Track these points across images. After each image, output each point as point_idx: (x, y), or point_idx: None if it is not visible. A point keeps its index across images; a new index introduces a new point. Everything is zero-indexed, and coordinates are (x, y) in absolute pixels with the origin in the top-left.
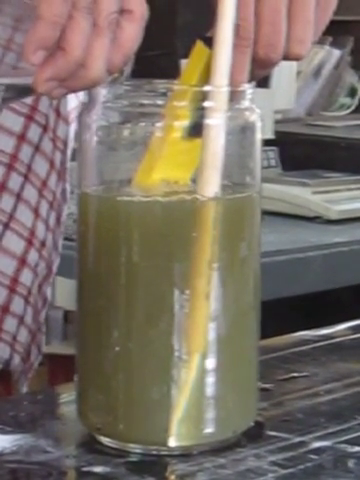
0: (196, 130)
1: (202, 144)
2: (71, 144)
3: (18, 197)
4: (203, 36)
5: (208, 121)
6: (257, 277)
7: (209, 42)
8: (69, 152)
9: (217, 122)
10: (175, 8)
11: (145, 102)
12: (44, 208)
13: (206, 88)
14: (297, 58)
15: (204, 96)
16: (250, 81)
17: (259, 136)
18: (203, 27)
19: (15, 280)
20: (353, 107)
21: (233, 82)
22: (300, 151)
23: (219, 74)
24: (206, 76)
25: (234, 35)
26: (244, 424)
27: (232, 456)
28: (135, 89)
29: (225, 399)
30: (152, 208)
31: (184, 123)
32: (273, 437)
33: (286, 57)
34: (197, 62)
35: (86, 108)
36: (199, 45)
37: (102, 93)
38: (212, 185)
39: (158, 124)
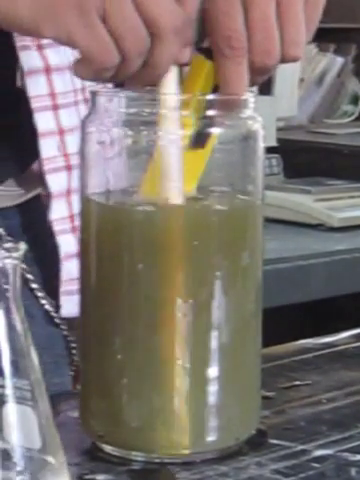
0: (199, 140)
1: (158, 156)
2: None
3: None
4: (200, 47)
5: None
6: (259, 285)
7: (206, 53)
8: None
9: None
10: None
11: (147, 111)
12: None
13: (208, 97)
14: (294, 60)
15: (206, 106)
16: (251, 86)
17: (261, 144)
18: (202, 35)
19: None
20: (356, 114)
21: (232, 94)
22: (302, 158)
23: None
24: (207, 87)
25: (227, 47)
26: (246, 432)
27: (234, 464)
28: (137, 98)
29: (227, 407)
30: (154, 216)
31: (188, 133)
32: (275, 445)
33: (283, 60)
34: (197, 74)
35: (88, 117)
36: (197, 57)
37: (104, 102)
38: (175, 195)
39: (160, 133)
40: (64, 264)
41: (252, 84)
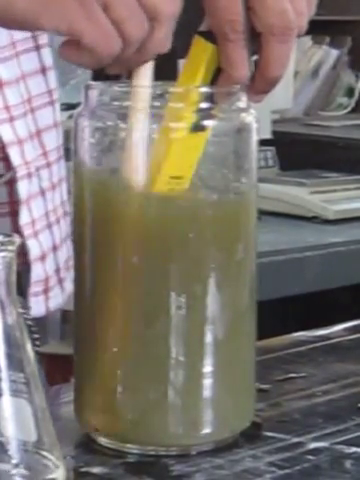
0: (200, 124)
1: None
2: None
3: None
4: (199, 31)
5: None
6: (253, 278)
7: (207, 36)
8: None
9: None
10: None
11: None
12: None
13: (205, 89)
14: (300, 30)
15: (206, 95)
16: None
17: (255, 137)
18: (198, 25)
19: None
20: (351, 107)
21: (236, 78)
22: (298, 151)
23: (142, 75)
24: (209, 70)
25: (231, 31)
26: (241, 425)
27: (229, 457)
28: (130, 91)
29: (222, 400)
30: (148, 209)
31: (189, 122)
32: (270, 438)
33: None
34: (199, 57)
35: (82, 110)
36: (199, 40)
37: (96, 95)
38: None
39: (162, 124)
40: (33, 267)
41: (265, 91)
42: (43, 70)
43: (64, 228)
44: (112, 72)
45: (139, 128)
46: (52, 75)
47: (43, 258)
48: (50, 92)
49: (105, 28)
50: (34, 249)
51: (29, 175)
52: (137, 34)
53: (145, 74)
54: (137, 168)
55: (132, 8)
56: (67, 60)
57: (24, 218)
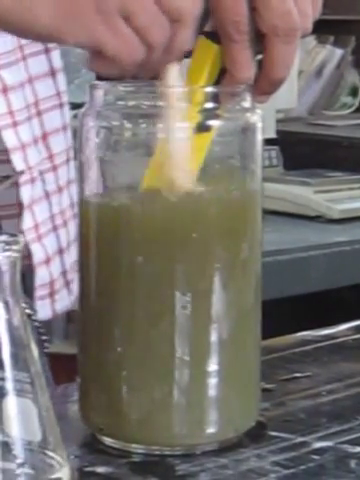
0: (205, 125)
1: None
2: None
3: None
4: (204, 32)
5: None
6: (258, 278)
7: (212, 37)
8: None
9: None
10: None
11: (146, 103)
12: None
13: (210, 89)
14: (304, 32)
15: (211, 95)
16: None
17: (260, 137)
18: (202, 26)
19: None
20: (355, 106)
21: (240, 79)
22: (302, 150)
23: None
24: (214, 71)
25: (236, 32)
26: (246, 424)
27: (234, 456)
28: (136, 90)
29: (227, 399)
30: (153, 209)
31: (194, 122)
32: (275, 437)
33: None
34: (204, 57)
35: (87, 109)
36: (203, 41)
37: (101, 95)
38: (185, 181)
39: (163, 125)
40: (37, 271)
41: (269, 92)
42: (53, 73)
43: (73, 230)
44: (144, 77)
45: (175, 129)
46: (61, 77)
47: (48, 262)
48: (59, 94)
49: (126, 37)
50: (38, 253)
51: (32, 180)
52: (160, 39)
53: (173, 74)
54: (179, 167)
55: (153, 14)
56: (97, 72)
57: (27, 223)
